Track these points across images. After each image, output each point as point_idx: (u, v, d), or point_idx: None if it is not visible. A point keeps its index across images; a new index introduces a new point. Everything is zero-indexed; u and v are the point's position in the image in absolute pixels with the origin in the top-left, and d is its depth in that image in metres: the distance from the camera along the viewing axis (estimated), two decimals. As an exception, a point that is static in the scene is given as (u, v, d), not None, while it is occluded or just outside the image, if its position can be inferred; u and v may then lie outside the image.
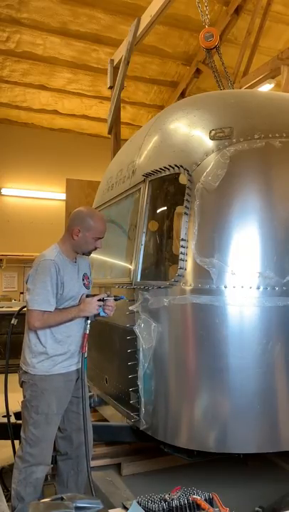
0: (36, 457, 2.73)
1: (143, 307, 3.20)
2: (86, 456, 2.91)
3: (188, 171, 3.07)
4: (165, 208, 4.00)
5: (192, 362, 3.00)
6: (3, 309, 8.27)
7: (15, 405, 3.44)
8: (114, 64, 7.35)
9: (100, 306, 2.86)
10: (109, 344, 3.85)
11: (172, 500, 1.93)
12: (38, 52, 8.63)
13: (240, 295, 2.84)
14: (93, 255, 3.37)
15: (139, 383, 3.19)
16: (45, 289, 2.72)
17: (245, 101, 3.46)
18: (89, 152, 10.52)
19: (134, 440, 3.54)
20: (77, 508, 1.67)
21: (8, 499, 2.76)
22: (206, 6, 5.13)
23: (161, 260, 4.09)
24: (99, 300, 2.86)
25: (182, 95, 9.83)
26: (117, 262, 4.47)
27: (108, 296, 2.90)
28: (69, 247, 2.89)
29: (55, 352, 2.79)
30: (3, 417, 3.48)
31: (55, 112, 10.18)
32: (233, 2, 8.31)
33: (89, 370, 3.46)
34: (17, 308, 3.46)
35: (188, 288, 2.94)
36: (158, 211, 3.97)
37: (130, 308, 3.28)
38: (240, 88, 6.88)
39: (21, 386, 2.87)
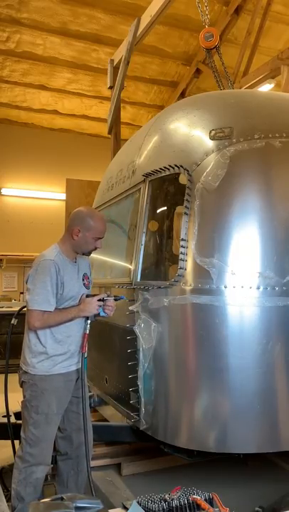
0: (36, 457, 2.74)
1: (143, 307, 3.20)
2: (86, 456, 2.91)
3: (188, 171, 3.07)
4: (165, 207, 4.00)
5: (192, 362, 3.00)
6: (3, 309, 8.27)
7: (15, 405, 3.44)
8: (114, 64, 7.35)
9: (100, 306, 2.86)
10: (109, 344, 3.85)
11: (172, 500, 1.93)
12: (38, 52, 8.63)
13: (240, 295, 2.84)
14: (93, 255, 3.37)
15: (139, 383, 3.19)
16: (45, 289, 2.72)
17: (245, 101, 3.46)
18: (89, 152, 10.52)
19: (134, 440, 3.54)
20: (77, 508, 1.67)
21: (8, 499, 2.76)
22: (206, 6, 5.13)
23: (161, 260, 4.09)
24: (99, 300, 2.86)
25: (182, 95, 9.83)
26: (117, 262, 4.47)
27: (108, 296, 2.90)
28: (69, 247, 2.89)
29: (55, 352, 2.79)
30: (3, 417, 3.48)
31: (55, 112, 10.18)
32: (233, 2, 8.31)
33: (89, 370, 3.46)
34: (17, 308, 3.46)
35: (188, 288, 2.94)
36: (158, 211, 3.97)
37: (130, 308, 3.28)
38: (240, 88, 6.88)
39: (21, 386, 2.87)
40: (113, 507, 2.54)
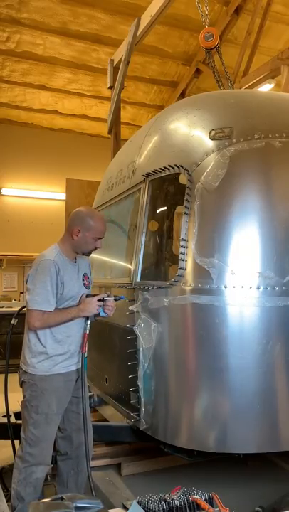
0: (36, 457, 2.73)
1: (143, 307, 3.20)
2: (86, 456, 2.91)
3: (188, 171, 3.07)
4: (165, 207, 4.00)
5: (192, 362, 3.00)
6: (3, 309, 8.27)
7: (15, 405, 3.44)
8: (114, 64, 7.35)
9: (100, 306, 2.86)
10: (109, 344, 3.85)
11: (172, 500, 1.93)
12: (38, 52, 8.63)
13: (240, 295, 2.84)
14: (93, 255, 3.37)
15: (139, 383, 3.19)
16: (45, 288, 2.72)
17: (245, 101, 3.46)
18: (89, 152, 10.52)
19: (134, 440, 3.54)
20: (77, 508, 1.67)
21: (8, 499, 2.76)
22: (206, 6, 5.13)
23: (161, 260, 4.09)
24: (99, 300, 2.86)
25: (182, 95, 9.83)
26: (117, 262, 4.47)
27: (108, 296, 2.90)
28: (69, 247, 2.89)
29: (55, 352, 2.79)
30: (3, 417, 3.48)
31: (55, 112, 10.19)
32: (233, 2, 8.31)
33: (89, 370, 3.46)
34: (17, 308, 3.46)
35: (188, 288, 2.94)
36: (158, 211, 3.97)
37: (130, 308, 3.28)
38: (240, 88, 6.88)
39: (21, 386, 2.87)
40: (113, 507, 2.54)
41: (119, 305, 3.11)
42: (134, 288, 3.35)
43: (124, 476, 3.58)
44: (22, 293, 9.83)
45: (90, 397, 4.21)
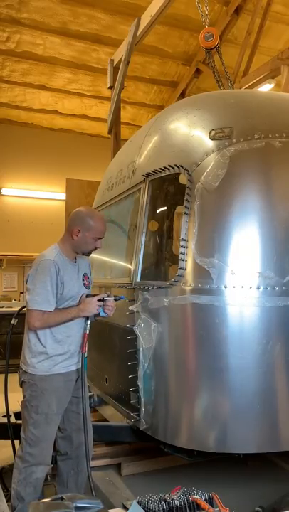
0: (36, 457, 2.73)
1: (143, 307, 3.20)
2: (86, 456, 2.91)
3: (188, 171, 3.07)
4: (165, 207, 4.00)
5: (192, 362, 3.00)
6: (3, 309, 8.27)
7: (15, 405, 3.44)
8: (114, 64, 7.35)
9: (100, 306, 2.86)
10: (109, 344, 3.85)
11: (172, 500, 1.93)
12: (38, 52, 8.63)
13: (240, 295, 2.84)
14: (93, 255, 3.37)
15: (139, 383, 3.19)
16: (45, 288, 2.72)
17: (245, 101, 3.46)
18: (89, 152, 10.52)
19: (134, 440, 3.54)
20: (77, 508, 1.67)
21: (8, 499, 2.76)
22: (206, 6, 5.13)
23: (161, 260, 4.09)
24: (99, 300, 2.86)
25: (182, 95, 9.83)
26: (117, 262, 4.47)
27: (108, 296, 2.90)
28: (69, 247, 2.89)
29: (55, 352, 2.79)
30: (3, 417, 3.48)
31: (55, 112, 10.19)
32: (233, 2, 8.31)
33: (89, 370, 3.46)
34: (17, 308, 3.46)
35: (188, 288, 2.94)
36: (158, 211, 3.97)
37: (130, 308, 3.28)
38: (240, 88, 6.88)
39: (21, 386, 2.87)
40: (113, 507, 2.54)
41: (119, 305, 3.11)
42: (134, 288, 3.34)
43: (124, 476, 3.58)
44: (22, 293, 9.83)
45: (90, 397, 4.21)
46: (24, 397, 2.83)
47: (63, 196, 8.11)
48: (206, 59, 5.55)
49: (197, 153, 3.10)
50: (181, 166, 3.12)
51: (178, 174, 3.24)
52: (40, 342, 2.78)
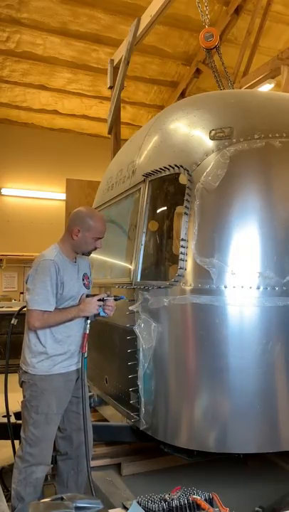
0: (36, 457, 2.73)
1: (143, 307, 3.20)
2: (86, 456, 2.91)
3: (188, 171, 3.07)
4: (165, 207, 4.00)
5: (192, 362, 3.00)
6: (3, 309, 8.27)
7: (15, 405, 3.44)
8: (114, 64, 7.35)
9: (100, 306, 2.86)
10: (109, 344, 3.85)
11: (172, 500, 1.93)
12: (38, 52, 8.63)
13: (240, 295, 2.84)
14: (93, 255, 3.37)
15: (139, 383, 3.19)
16: (45, 288, 2.72)
17: (245, 101, 3.46)
18: (89, 152, 10.52)
19: (134, 440, 3.54)
20: (77, 508, 1.67)
21: (8, 499, 2.76)
22: (206, 6, 5.13)
23: (161, 260, 4.09)
24: (99, 300, 2.86)
25: (182, 95, 9.83)
26: (117, 262, 4.47)
27: (108, 296, 2.90)
28: (69, 247, 2.89)
29: (55, 352, 2.79)
30: (3, 417, 3.48)
31: (55, 112, 10.18)
32: (233, 2, 8.31)
33: (89, 370, 3.46)
34: (17, 308, 3.46)
35: (188, 288, 2.94)
36: (158, 211, 3.97)
37: (130, 308, 3.28)
38: (240, 88, 6.88)
39: (21, 386, 2.87)
40: (113, 507, 2.54)
41: (119, 305, 3.11)
42: (134, 288, 3.34)
43: (124, 476, 3.58)
44: (22, 293, 9.83)
45: (90, 397, 4.21)
46: (24, 397, 2.83)
47: (63, 196, 8.11)
48: (206, 59, 5.55)
49: (197, 153, 3.10)
50: (181, 166, 3.12)
51: (178, 174, 3.24)
52: (40, 342, 2.78)
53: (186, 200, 3.02)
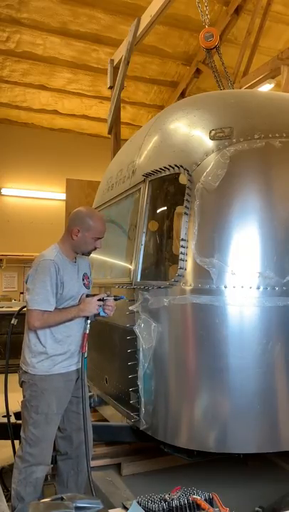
0: (36, 457, 2.74)
1: (143, 307, 3.20)
2: (86, 456, 2.91)
3: (188, 171, 3.07)
4: (165, 207, 4.00)
5: (192, 362, 3.00)
6: (3, 309, 8.27)
7: (15, 405, 3.44)
8: (114, 64, 7.35)
9: (100, 305, 2.86)
10: (109, 344, 3.85)
11: (172, 500, 1.93)
12: (38, 52, 8.63)
13: (240, 295, 2.84)
14: (93, 255, 3.37)
15: (139, 383, 3.19)
16: (45, 288, 2.72)
17: (245, 101, 3.46)
18: (89, 152, 10.52)
19: (134, 440, 3.54)
20: (77, 508, 1.67)
21: (8, 499, 2.76)
22: (206, 6, 5.13)
23: (161, 260, 4.09)
24: (99, 300, 2.86)
25: (182, 95, 9.83)
26: (117, 262, 4.47)
27: (108, 296, 2.90)
28: (68, 247, 2.89)
29: (55, 352, 2.79)
30: (3, 417, 3.48)
31: (55, 112, 10.18)
32: (233, 2, 8.31)
33: (89, 370, 3.46)
34: (17, 308, 3.46)
35: (188, 288, 2.94)
36: (158, 211, 3.97)
37: (130, 308, 3.28)
38: (240, 88, 6.88)
39: (21, 386, 2.87)
40: (113, 507, 2.54)
41: (119, 305, 3.11)
42: (134, 288, 3.34)
43: (124, 476, 3.58)
44: (22, 293, 9.82)
45: (90, 397, 4.21)
46: (24, 397, 2.83)
47: (63, 196, 8.11)
48: (206, 59, 5.55)
49: (197, 153, 3.10)
50: (181, 166, 3.12)
51: (178, 174, 3.24)
52: (40, 342, 2.78)
53: (186, 200, 3.02)
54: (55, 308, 2.77)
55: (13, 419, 3.51)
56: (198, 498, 1.93)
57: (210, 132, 3.10)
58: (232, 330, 2.87)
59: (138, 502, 1.95)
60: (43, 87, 9.47)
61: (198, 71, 9.48)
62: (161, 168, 3.28)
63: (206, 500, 1.93)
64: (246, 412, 2.84)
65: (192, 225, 2.97)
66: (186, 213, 3.01)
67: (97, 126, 10.51)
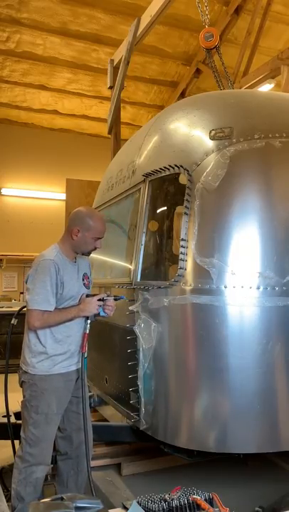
0: (36, 457, 2.74)
1: (143, 307, 3.20)
2: (86, 456, 2.91)
3: (188, 171, 3.07)
4: (165, 208, 4.00)
5: (192, 362, 3.00)
6: (3, 309, 8.27)
7: (15, 405, 3.44)
8: (114, 64, 7.35)
9: (100, 305, 2.86)
10: (109, 344, 3.85)
11: (172, 500, 1.93)
12: (38, 52, 8.63)
13: (240, 295, 2.84)
14: (93, 255, 3.37)
15: (139, 383, 3.19)
16: (45, 288, 2.72)
17: (245, 101, 3.46)
18: (89, 152, 10.52)
19: (134, 440, 3.54)
20: (77, 508, 1.67)
21: (8, 499, 2.76)
22: (206, 6, 5.13)
23: (161, 260, 4.09)
24: (99, 300, 2.86)
25: (182, 95, 9.83)
26: (117, 262, 4.47)
27: (108, 296, 2.90)
28: (68, 247, 2.89)
29: (55, 352, 2.79)
30: (3, 417, 3.48)
31: (55, 112, 10.18)
32: (233, 2, 8.31)
33: (89, 370, 3.46)
34: (17, 308, 3.46)
35: (188, 288, 2.94)
36: (158, 211, 3.97)
37: (130, 308, 3.28)
38: (240, 88, 6.88)
39: (21, 386, 2.87)
40: (113, 507, 2.54)
41: (119, 305, 3.11)
42: (134, 288, 3.34)
43: (124, 476, 3.58)
44: (22, 293, 9.82)
45: (90, 397, 4.21)
46: (24, 397, 2.83)
47: (63, 196, 8.11)
48: (206, 59, 5.55)
49: (197, 153, 3.10)
50: (181, 166, 3.12)
51: (178, 174, 3.24)
52: (40, 342, 2.78)
53: (186, 200, 3.02)
54: (55, 308, 2.77)
55: (13, 419, 3.51)
56: (198, 498, 1.93)
57: (210, 132, 3.10)
58: (232, 330, 2.87)
59: (138, 502, 1.95)
60: (43, 87, 9.47)
61: (198, 71, 9.48)
62: (161, 168, 3.28)
63: (206, 500, 1.93)
64: (246, 412, 2.84)
65: (192, 225, 2.97)
66: (186, 213, 3.01)
67: (97, 126, 10.51)
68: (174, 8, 7.10)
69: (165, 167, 3.24)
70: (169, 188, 3.74)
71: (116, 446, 3.83)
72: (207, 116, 3.27)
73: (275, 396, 2.88)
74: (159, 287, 3.10)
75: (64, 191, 7.85)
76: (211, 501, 1.94)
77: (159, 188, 3.68)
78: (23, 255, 9.61)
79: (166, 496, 1.96)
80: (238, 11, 8.38)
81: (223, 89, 5.28)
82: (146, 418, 3.14)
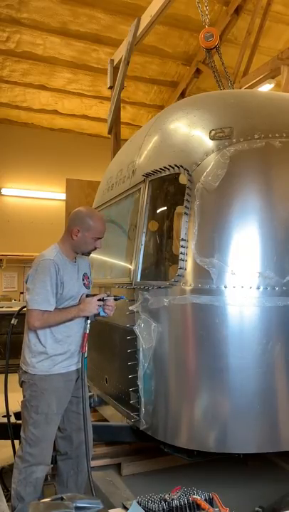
0: (36, 457, 2.74)
1: (143, 307, 3.20)
2: (86, 456, 2.91)
3: (188, 171, 3.07)
4: (165, 207, 4.00)
5: (192, 362, 3.00)
6: (3, 309, 8.27)
7: (15, 405, 3.44)
8: (114, 64, 7.35)
9: (100, 305, 2.86)
10: (109, 344, 3.85)
11: (172, 500, 1.93)
12: (38, 52, 8.63)
13: (240, 295, 2.84)
14: (93, 255, 3.37)
15: (139, 383, 3.19)
16: (45, 288, 2.72)
17: (245, 101, 3.46)
18: (89, 152, 10.52)
19: (134, 440, 3.54)
20: (77, 508, 1.67)
21: (8, 499, 2.76)
22: (206, 6, 5.13)
23: (161, 260, 4.09)
24: (99, 300, 2.86)
25: (182, 95, 9.83)
26: (117, 262, 4.47)
27: (108, 296, 2.90)
28: (68, 247, 2.89)
29: (55, 352, 2.79)
30: (3, 417, 3.48)
31: (55, 112, 10.18)
32: (233, 2, 8.31)
33: (89, 370, 3.46)
34: (17, 308, 3.46)
35: (188, 288, 2.94)
36: (158, 211, 3.97)
37: (130, 308, 3.28)
38: (240, 88, 6.88)
39: (21, 386, 2.87)
40: (113, 507, 2.54)
41: (119, 305, 3.11)
42: (134, 288, 3.34)
43: (124, 476, 3.58)
44: (22, 293, 9.82)
45: (90, 397, 4.21)
46: (24, 397, 2.83)
47: (63, 196, 8.11)
48: (206, 59, 5.55)
49: (197, 153, 3.10)
50: (181, 166, 3.12)
51: (178, 174, 3.24)
52: (40, 342, 2.78)
53: (186, 200, 3.02)
54: (55, 308, 2.77)
55: (13, 419, 3.51)
56: (198, 498, 1.93)
57: (210, 132, 3.10)
58: (232, 330, 2.87)
59: (138, 502, 1.95)
60: (43, 87, 9.47)
61: (198, 71, 9.48)
62: (161, 168, 3.28)
63: (206, 500, 1.93)
64: (246, 412, 2.84)
65: (192, 225, 2.97)
66: (186, 213, 3.01)
67: (97, 126, 10.51)
68: (174, 8, 7.10)
69: (165, 167, 3.24)
70: (169, 188, 3.74)
71: (116, 446, 3.83)
72: (207, 116, 3.27)
73: (275, 396, 2.88)
74: (159, 287, 3.10)
75: (64, 191, 7.85)
76: (211, 501, 1.94)
77: (159, 188, 3.68)
78: (23, 255, 9.61)
79: (166, 496, 1.96)
80: (238, 11, 8.38)
81: (223, 89, 5.28)
82: (146, 418, 3.14)
